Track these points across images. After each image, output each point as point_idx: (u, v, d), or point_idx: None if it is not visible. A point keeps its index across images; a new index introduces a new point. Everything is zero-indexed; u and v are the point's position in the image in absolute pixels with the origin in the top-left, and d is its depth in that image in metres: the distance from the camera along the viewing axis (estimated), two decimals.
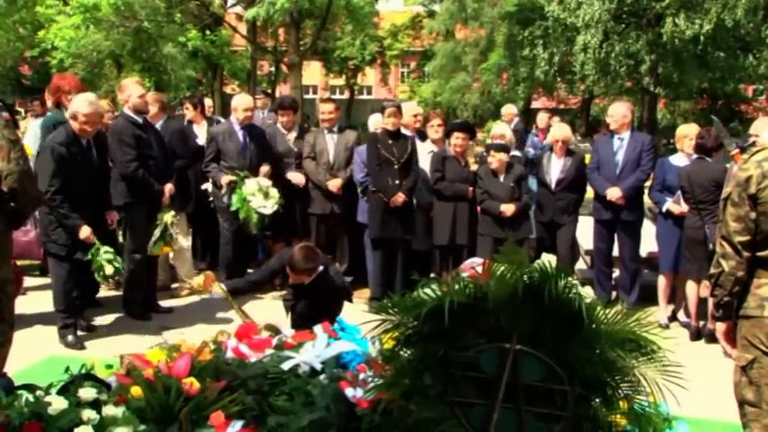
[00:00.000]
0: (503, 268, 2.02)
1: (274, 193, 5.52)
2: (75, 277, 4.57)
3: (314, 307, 4.05)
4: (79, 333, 4.67)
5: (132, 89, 5.11)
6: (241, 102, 5.90)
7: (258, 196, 5.45)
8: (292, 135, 6.02)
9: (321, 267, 4.13)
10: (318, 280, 4.10)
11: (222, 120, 7.14)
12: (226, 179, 5.60)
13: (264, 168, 5.71)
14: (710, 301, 4.48)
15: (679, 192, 5.09)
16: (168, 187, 5.13)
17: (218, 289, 4.17)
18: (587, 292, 2.12)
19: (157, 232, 4.98)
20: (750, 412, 2.49)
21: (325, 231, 5.91)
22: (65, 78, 5.23)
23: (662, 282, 5.32)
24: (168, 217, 5.03)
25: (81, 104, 4.50)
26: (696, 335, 5.02)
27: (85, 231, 4.41)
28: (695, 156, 5.07)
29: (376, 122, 5.78)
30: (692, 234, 4.95)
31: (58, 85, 5.09)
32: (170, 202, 5.15)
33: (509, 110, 9.81)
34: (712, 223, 4.79)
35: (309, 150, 5.87)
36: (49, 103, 5.45)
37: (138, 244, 5.01)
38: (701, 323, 5.05)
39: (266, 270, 4.49)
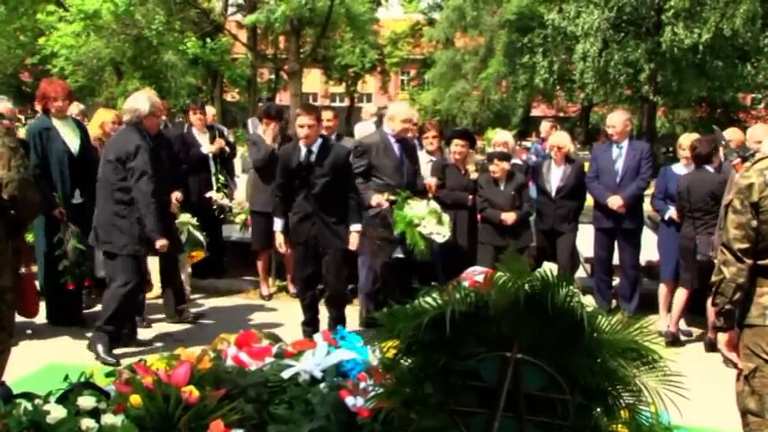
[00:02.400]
0: (504, 277, 2.02)
1: (446, 217, 4.83)
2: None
3: (334, 178, 4.51)
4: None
5: None
6: (399, 111, 5.17)
7: (430, 220, 4.69)
8: (276, 142, 5.95)
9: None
10: (326, 143, 4.59)
11: (224, 128, 7.11)
12: (378, 198, 4.84)
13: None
14: (710, 310, 4.47)
15: None
16: (175, 195, 5.07)
17: None
18: (588, 301, 2.12)
19: (183, 239, 4.92)
20: (753, 422, 2.48)
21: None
22: (51, 84, 5.03)
23: (663, 290, 5.31)
24: (185, 218, 4.95)
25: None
26: (672, 343, 4.98)
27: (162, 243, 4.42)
28: (693, 165, 5.07)
29: (362, 131, 5.75)
30: (685, 244, 4.95)
31: (45, 91, 4.90)
32: (179, 208, 5.08)
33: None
34: (706, 234, 4.77)
35: None
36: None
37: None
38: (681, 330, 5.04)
39: (279, 178, 4.68)
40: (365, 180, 4.97)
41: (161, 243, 4.42)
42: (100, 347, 4.36)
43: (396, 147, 5.06)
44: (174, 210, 5.02)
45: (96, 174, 5.04)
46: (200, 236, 5.06)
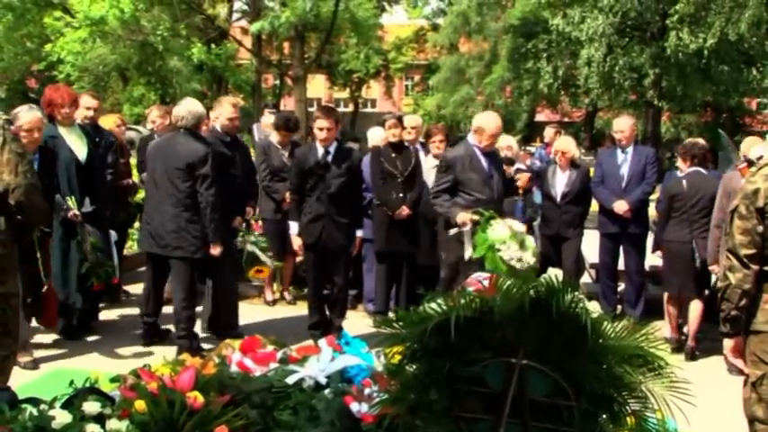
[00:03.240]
0: (509, 282, 2.01)
1: (531, 241, 4.45)
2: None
3: (349, 179, 4.72)
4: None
5: (225, 109, 4.99)
6: (488, 123, 4.78)
7: (512, 245, 4.30)
8: (286, 150, 5.96)
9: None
10: (341, 146, 4.80)
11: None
12: (464, 217, 4.50)
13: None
14: (695, 311, 4.44)
15: None
16: (248, 211, 5.06)
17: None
18: (593, 307, 2.11)
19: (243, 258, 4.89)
20: (760, 429, 2.47)
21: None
22: (57, 91, 4.84)
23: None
24: (248, 236, 4.93)
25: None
26: (678, 349, 4.94)
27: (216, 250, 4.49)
28: (691, 168, 5.06)
29: (374, 136, 5.75)
30: (676, 248, 4.90)
31: (51, 98, 4.73)
32: (243, 225, 5.04)
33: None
34: (701, 238, 4.73)
35: None
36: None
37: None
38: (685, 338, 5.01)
39: (294, 179, 4.84)
40: (451, 196, 4.68)
41: (218, 250, 4.47)
42: (194, 345, 4.49)
43: (483, 160, 4.75)
44: (237, 225, 4.95)
45: (104, 180, 5.05)
46: (259, 253, 4.96)
